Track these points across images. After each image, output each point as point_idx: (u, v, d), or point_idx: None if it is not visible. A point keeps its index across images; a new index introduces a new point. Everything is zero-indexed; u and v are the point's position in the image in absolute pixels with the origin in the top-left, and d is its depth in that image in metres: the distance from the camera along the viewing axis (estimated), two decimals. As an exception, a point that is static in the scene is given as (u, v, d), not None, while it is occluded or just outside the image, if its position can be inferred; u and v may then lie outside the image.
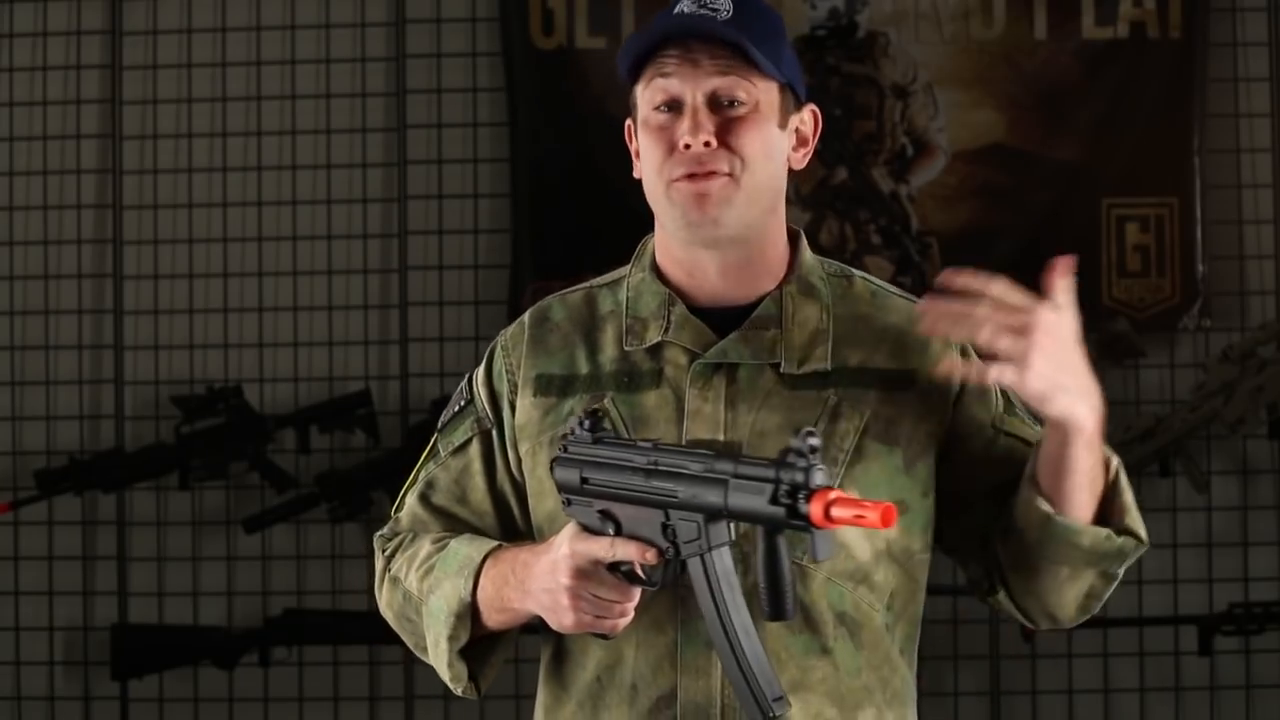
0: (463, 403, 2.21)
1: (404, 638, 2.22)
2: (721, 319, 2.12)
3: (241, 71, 5.14)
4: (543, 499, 2.13)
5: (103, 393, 5.13)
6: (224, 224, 5.14)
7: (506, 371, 2.18)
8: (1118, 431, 4.89)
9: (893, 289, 2.21)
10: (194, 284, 5.14)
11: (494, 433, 2.18)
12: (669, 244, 2.15)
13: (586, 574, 1.97)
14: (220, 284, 5.13)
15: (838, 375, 2.11)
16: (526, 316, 2.21)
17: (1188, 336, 5.02)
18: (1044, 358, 1.95)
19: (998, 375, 1.95)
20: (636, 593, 2.00)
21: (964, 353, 2.14)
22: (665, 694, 2.07)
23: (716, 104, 2.07)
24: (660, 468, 1.94)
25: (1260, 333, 4.86)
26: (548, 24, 5.05)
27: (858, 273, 2.22)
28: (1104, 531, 2.06)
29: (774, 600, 1.88)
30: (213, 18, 5.14)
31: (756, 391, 2.09)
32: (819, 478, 1.81)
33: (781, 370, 2.10)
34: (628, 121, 2.16)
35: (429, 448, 2.24)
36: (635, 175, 2.15)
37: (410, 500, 2.23)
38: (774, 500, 1.83)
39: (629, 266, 2.20)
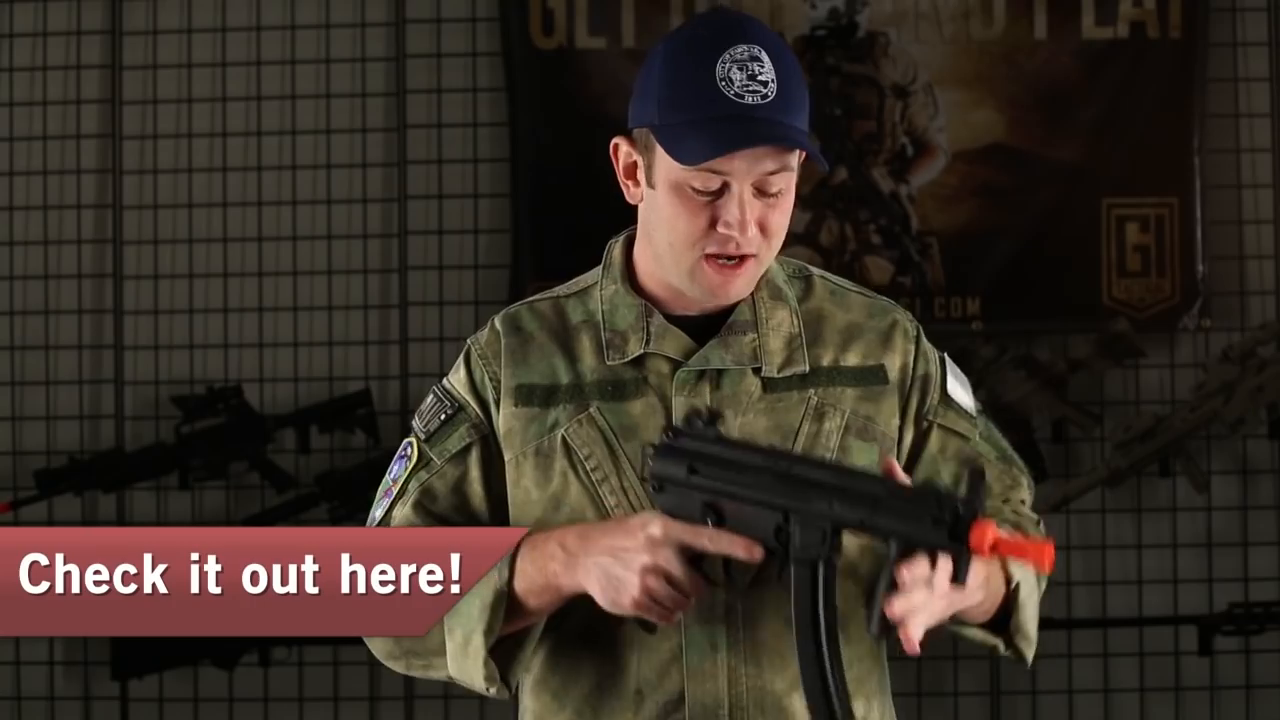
0: (450, 410, 2.19)
1: (394, 664, 2.17)
2: (696, 326, 2.15)
3: (241, 71, 5.14)
4: (529, 508, 2.13)
5: (103, 393, 5.13)
6: (224, 224, 5.14)
7: (490, 378, 2.17)
8: (1118, 431, 4.90)
9: (850, 285, 2.23)
10: (194, 284, 5.13)
11: (490, 438, 2.17)
12: (664, 276, 2.15)
13: (669, 560, 1.98)
14: (220, 284, 5.13)
15: (815, 376, 2.14)
16: (498, 324, 2.20)
17: (1188, 336, 5.02)
18: (940, 604, 1.95)
19: (919, 637, 1.96)
20: (703, 590, 2.01)
21: (918, 343, 2.18)
22: (672, 698, 2.09)
23: (758, 189, 2.07)
24: (794, 474, 1.98)
25: (1260, 333, 4.86)
26: (548, 24, 5.05)
27: (815, 271, 2.23)
28: (996, 642, 2.14)
29: (885, 620, 1.93)
30: (213, 18, 5.14)
31: (741, 396, 2.12)
32: (982, 508, 1.88)
33: (763, 374, 2.13)
34: (616, 140, 2.14)
35: (415, 458, 2.20)
36: (629, 199, 2.16)
37: (405, 512, 2.18)
38: (935, 524, 1.89)
39: (598, 275, 2.20)
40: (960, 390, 2.20)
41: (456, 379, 2.20)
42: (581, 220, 4.77)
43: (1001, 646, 2.14)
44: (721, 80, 2.05)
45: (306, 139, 5.13)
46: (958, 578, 1.89)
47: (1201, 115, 4.98)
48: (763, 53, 2.06)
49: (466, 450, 2.18)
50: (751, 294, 2.16)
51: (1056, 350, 5.00)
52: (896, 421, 2.15)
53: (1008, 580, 2.09)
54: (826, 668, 1.98)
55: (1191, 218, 4.98)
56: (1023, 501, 2.19)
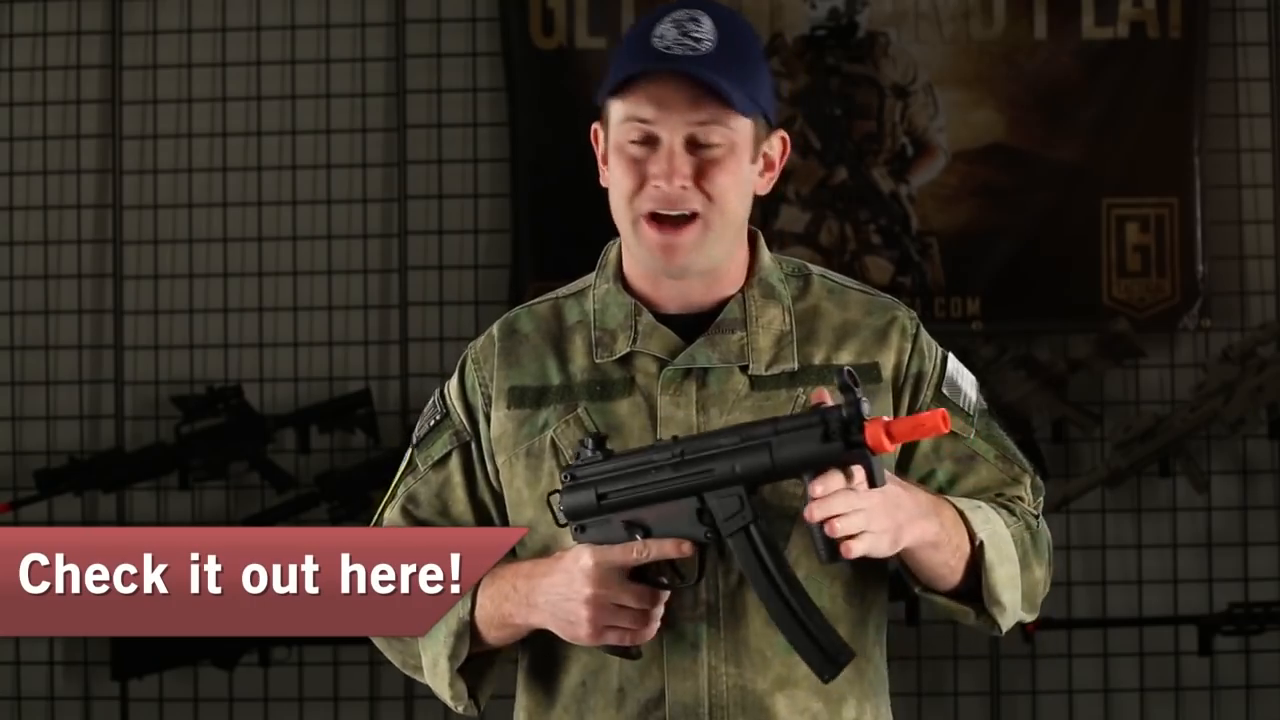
0: (438, 416, 2.22)
1: (390, 655, 2.23)
2: (687, 325, 2.15)
3: (241, 71, 5.14)
4: (521, 509, 2.15)
5: (103, 393, 5.13)
6: (224, 224, 5.14)
7: (480, 384, 2.19)
8: (1118, 431, 4.90)
9: (851, 283, 2.23)
10: (194, 284, 5.14)
11: (472, 445, 2.20)
12: (634, 261, 2.18)
13: (609, 584, 2.01)
14: (220, 284, 5.13)
15: (805, 374, 2.14)
16: (495, 329, 2.22)
17: (1188, 336, 5.02)
18: (879, 517, 1.97)
19: (865, 549, 1.97)
20: (662, 600, 2.03)
21: (915, 340, 2.18)
22: (653, 696, 2.09)
23: (692, 144, 2.08)
24: (688, 456, 2.00)
25: (1260, 333, 4.86)
26: (548, 24, 5.05)
27: (815, 269, 2.23)
28: (967, 610, 2.14)
29: (830, 541, 1.94)
30: (213, 18, 5.14)
31: (727, 394, 2.12)
32: (868, 408, 1.93)
33: (750, 372, 2.13)
34: (594, 125, 2.17)
35: (406, 462, 2.25)
36: (602, 183, 2.17)
37: (391, 515, 2.23)
38: (826, 439, 1.92)
39: (593, 276, 2.21)
40: (960, 389, 2.20)
41: (451, 385, 2.23)
42: (581, 220, 4.76)
43: (972, 615, 2.14)
44: (656, 37, 2.08)
45: (306, 139, 5.13)
46: (873, 481, 1.93)
47: (1201, 115, 4.98)
48: (704, 16, 2.09)
49: (447, 457, 2.21)
50: (742, 291, 2.16)
51: (1056, 350, 5.00)
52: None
53: (972, 539, 2.08)
54: (802, 616, 2.00)
55: (1191, 218, 4.98)
56: (1019, 498, 2.19)
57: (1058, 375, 4.95)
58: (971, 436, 2.18)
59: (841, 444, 1.92)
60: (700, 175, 2.08)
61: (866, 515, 1.95)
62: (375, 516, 2.26)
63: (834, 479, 1.94)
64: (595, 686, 2.12)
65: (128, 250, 5.14)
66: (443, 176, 5.11)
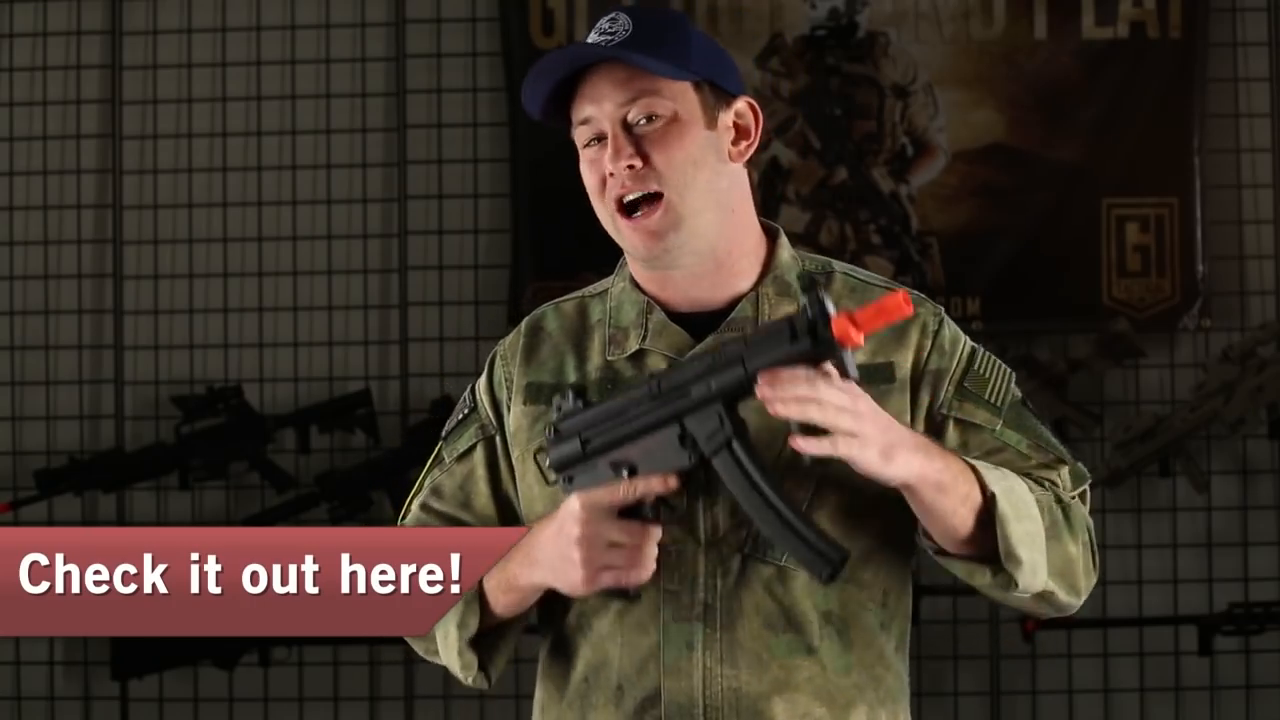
0: (467, 410, 2.24)
1: (419, 645, 2.24)
2: (699, 323, 2.15)
3: (241, 71, 5.14)
4: (533, 504, 2.16)
5: (103, 393, 5.13)
6: (224, 224, 5.14)
7: (505, 379, 2.21)
8: (1118, 431, 4.90)
9: (876, 280, 2.21)
10: (194, 284, 5.14)
11: (497, 439, 2.21)
12: (636, 264, 2.18)
13: (597, 523, 2.02)
14: (220, 284, 5.13)
15: None
16: (523, 325, 2.24)
17: (1188, 336, 5.02)
18: (866, 422, 1.96)
19: (843, 450, 1.95)
20: (655, 534, 2.03)
21: (936, 337, 2.15)
22: (650, 694, 2.09)
23: (631, 125, 2.10)
24: (665, 387, 2.02)
25: (1260, 333, 4.86)
26: (548, 24, 5.05)
27: (839, 267, 2.21)
28: (984, 569, 2.07)
29: (813, 432, 1.94)
30: (213, 18, 5.14)
31: None
32: (832, 306, 1.92)
33: None
34: None
35: (434, 455, 2.26)
36: None
37: (416, 507, 2.25)
38: (794, 339, 1.92)
39: (613, 276, 2.22)
40: (987, 381, 2.15)
41: (481, 380, 2.25)
42: (581, 220, 4.77)
43: (989, 574, 2.05)
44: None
45: (306, 139, 5.13)
46: (844, 372, 1.92)
47: (1201, 115, 4.98)
48: (621, 13, 2.11)
49: (472, 450, 2.22)
50: (755, 289, 2.15)
51: (1056, 350, 5.00)
52: (906, 419, 2.10)
53: (984, 490, 2.03)
54: (793, 521, 1.99)
55: (1191, 218, 4.99)
56: (1054, 483, 2.12)
57: (1058, 375, 4.95)
58: (998, 428, 2.12)
59: (809, 341, 1.91)
60: (649, 152, 2.09)
61: (851, 416, 1.93)
62: (403, 510, 2.28)
63: (788, 372, 1.93)
64: (597, 683, 2.12)
65: (128, 250, 5.14)
66: (443, 176, 5.11)
